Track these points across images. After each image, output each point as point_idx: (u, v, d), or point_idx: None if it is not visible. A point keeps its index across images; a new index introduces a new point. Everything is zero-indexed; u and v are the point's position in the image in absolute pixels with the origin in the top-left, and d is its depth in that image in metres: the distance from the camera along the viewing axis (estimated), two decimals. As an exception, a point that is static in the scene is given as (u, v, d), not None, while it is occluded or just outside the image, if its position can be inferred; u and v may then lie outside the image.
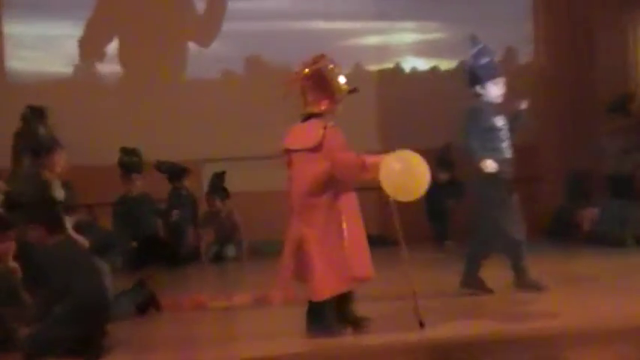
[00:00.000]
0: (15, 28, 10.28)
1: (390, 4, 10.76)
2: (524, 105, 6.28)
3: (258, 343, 5.06)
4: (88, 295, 4.67)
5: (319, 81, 4.97)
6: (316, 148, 4.85)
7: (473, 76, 6.16)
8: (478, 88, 6.13)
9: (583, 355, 4.65)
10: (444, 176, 9.58)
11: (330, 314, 4.94)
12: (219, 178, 9.86)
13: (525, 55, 11.14)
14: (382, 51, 10.96)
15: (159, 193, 9.69)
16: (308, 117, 5.00)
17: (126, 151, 9.27)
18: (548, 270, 6.74)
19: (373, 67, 10.89)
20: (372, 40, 11.05)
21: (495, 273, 6.21)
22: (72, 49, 10.49)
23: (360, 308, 5.12)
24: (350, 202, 4.92)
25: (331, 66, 5.01)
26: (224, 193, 9.82)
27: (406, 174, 4.77)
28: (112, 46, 10.63)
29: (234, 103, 10.34)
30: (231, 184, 9.85)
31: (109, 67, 10.61)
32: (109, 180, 9.20)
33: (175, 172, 9.79)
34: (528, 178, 9.04)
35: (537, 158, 10.37)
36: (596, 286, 6.41)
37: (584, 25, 10.63)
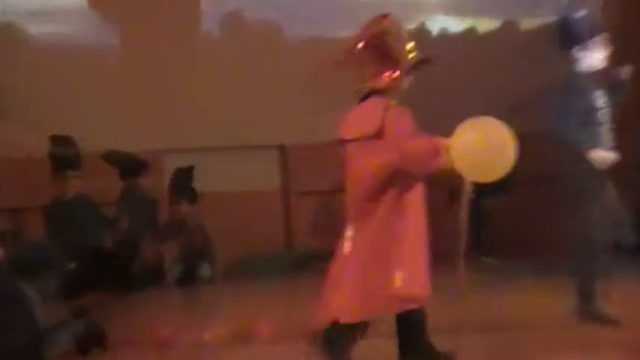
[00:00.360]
0: None
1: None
2: (627, 72, 6.19)
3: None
4: (11, 332, 4.62)
5: (380, 48, 4.94)
6: (376, 135, 4.83)
7: (569, 34, 6.10)
8: (576, 51, 6.09)
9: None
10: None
11: (346, 345, 4.88)
12: (184, 174, 9.83)
13: (589, 1, 11.09)
14: (403, 7, 10.89)
15: (107, 194, 9.64)
16: (367, 95, 4.97)
17: (58, 140, 9.19)
18: (624, 297, 6.61)
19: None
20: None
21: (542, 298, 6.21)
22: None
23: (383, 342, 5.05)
24: (416, 205, 4.90)
25: (396, 29, 5.00)
26: (191, 195, 9.79)
27: (487, 145, 4.72)
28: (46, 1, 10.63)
29: (206, 75, 10.30)
30: (202, 182, 9.82)
31: (41, 26, 10.56)
32: (40, 177, 9.15)
33: (129, 166, 9.75)
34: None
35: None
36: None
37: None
